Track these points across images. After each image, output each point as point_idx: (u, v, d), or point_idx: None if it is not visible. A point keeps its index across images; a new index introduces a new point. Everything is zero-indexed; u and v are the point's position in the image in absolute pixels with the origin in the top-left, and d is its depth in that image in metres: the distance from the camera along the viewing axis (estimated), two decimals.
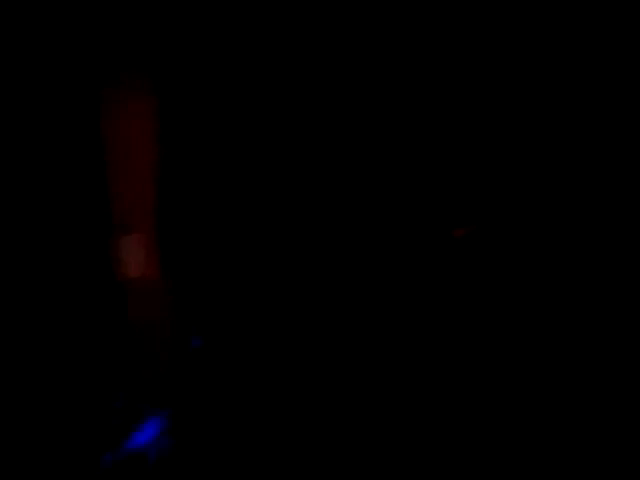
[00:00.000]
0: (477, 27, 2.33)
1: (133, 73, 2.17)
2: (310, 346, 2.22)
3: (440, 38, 2.32)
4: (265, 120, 2.27)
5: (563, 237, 2.31)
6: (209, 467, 2.06)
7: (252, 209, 2.27)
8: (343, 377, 2.19)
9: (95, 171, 2.15)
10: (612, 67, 2.29)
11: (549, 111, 2.35)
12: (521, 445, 2.10)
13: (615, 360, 2.17)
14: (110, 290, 2.14)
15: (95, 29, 2.17)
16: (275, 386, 2.16)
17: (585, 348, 2.20)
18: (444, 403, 2.17)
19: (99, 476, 2.03)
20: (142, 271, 2.14)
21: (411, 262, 2.32)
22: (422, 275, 2.31)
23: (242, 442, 2.09)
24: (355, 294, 2.28)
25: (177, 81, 2.25)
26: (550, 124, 2.35)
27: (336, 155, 2.30)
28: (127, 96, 2.16)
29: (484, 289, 2.28)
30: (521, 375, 2.20)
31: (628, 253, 2.25)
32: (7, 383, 2.10)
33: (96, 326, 2.16)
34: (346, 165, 2.32)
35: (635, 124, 2.28)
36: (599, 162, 2.31)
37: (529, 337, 2.24)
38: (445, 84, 2.34)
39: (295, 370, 2.19)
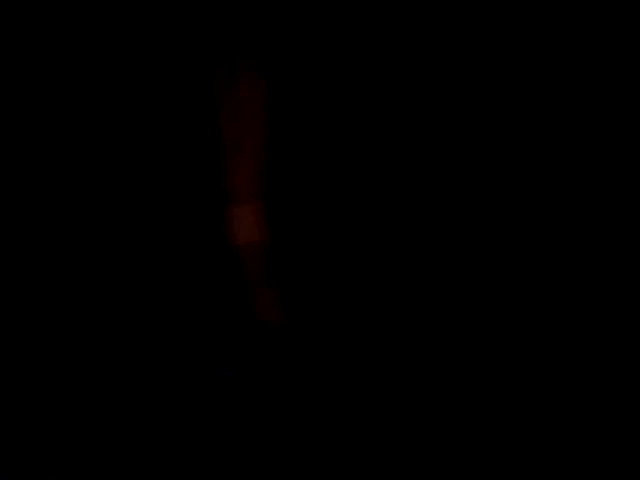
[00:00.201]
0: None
1: (245, 53, 2.25)
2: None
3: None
4: (366, 107, 2.35)
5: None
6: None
7: (354, 189, 2.35)
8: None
9: (210, 146, 2.32)
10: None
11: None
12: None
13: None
14: (223, 256, 2.29)
15: (208, 12, 2.30)
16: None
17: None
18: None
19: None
20: (252, 238, 2.27)
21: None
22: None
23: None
24: None
25: (286, 60, 2.34)
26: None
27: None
28: (239, 73, 2.25)
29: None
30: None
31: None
32: (127, 346, 2.26)
33: (208, 290, 2.33)
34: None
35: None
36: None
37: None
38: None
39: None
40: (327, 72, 2.36)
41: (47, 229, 2.37)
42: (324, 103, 2.37)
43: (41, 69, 2.41)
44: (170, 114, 2.37)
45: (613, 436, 2.05)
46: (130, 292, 2.35)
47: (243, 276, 2.28)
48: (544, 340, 2.25)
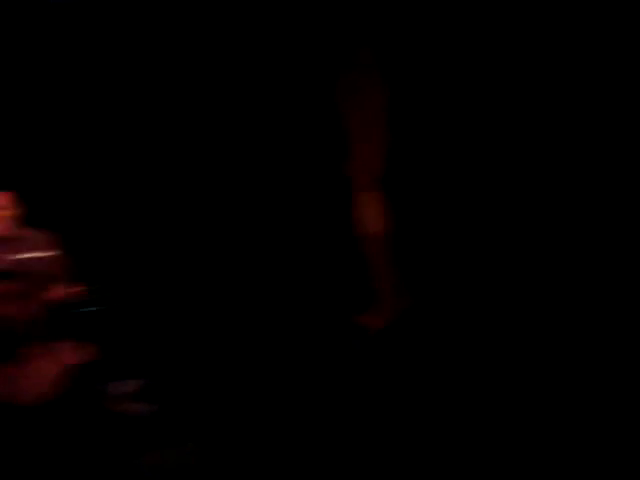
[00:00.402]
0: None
1: (367, 56, 2.50)
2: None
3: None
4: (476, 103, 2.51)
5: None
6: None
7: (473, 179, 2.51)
8: None
9: (340, 142, 2.57)
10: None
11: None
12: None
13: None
14: (351, 240, 2.53)
15: (333, 11, 2.47)
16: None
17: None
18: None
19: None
20: (378, 225, 2.48)
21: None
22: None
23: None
24: None
25: (404, 60, 2.52)
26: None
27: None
28: (362, 77, 2.51)
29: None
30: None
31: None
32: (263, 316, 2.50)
33: (337, 271, 2.58)
34: None
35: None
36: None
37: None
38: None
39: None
40: (444, 68, 2.51)
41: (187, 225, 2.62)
42: (443, 97, 2.52)
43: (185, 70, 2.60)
44: (297, 108, 2.61)
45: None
46: (270, 272, 2.57)
47: (368, 261, 2.45)
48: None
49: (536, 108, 2.38)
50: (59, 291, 2.21)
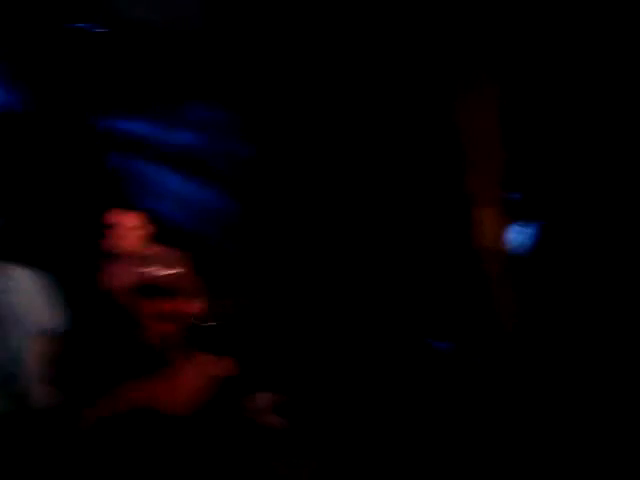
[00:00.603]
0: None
1: (484, 75, 2.52)
2: None
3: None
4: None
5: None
6: None
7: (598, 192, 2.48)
8: None
9: (460, 158, 2.54)
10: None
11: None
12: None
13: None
14: (468, 254, 2.50)
15: (453, 38, 2.52)
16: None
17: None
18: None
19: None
20: (495, 240, 2.48)
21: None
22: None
23: None
24: None
25: (517, 80, 2.54)
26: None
27: None
28: (475, 83, 2.52)
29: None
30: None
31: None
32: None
33: (452, 283, 2.56)
34: None
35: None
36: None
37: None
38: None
39: None
40: (560, 84, 2.50)
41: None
42: (559, 114, 2.49)
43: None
44: (419, 126, 2.61)
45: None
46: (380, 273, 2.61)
47: (487, 277, 2.44)
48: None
49: None
50: (196, 306, 2.27)
